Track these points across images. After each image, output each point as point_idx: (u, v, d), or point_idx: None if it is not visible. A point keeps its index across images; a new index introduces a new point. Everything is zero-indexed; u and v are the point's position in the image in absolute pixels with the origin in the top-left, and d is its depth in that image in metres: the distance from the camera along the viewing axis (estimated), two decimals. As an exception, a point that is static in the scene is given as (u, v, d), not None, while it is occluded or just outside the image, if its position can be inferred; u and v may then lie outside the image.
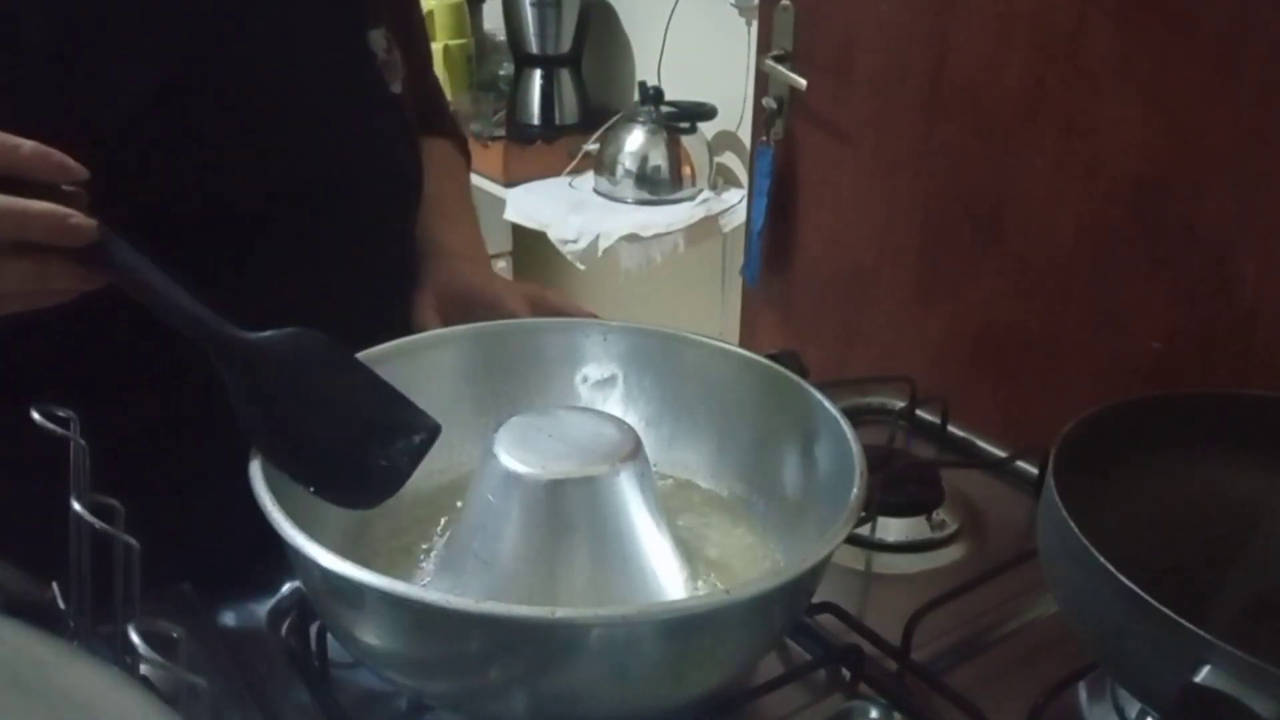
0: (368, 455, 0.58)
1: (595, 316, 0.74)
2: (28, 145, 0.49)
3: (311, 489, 0.55)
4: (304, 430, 0.56)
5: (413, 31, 0.87)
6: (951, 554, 0.75)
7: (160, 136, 0.63)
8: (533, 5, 2.10)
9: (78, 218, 0.50)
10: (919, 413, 0.90)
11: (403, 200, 0.81)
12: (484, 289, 0.82)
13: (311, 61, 0.71)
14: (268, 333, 0.55)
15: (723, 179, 2.06)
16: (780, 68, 1.53)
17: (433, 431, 0.59)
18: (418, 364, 0.67)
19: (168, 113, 0.63)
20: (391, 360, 0.66)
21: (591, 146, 2.04)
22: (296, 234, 0.70)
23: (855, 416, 0.68)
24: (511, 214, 2.03)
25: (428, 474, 0.67)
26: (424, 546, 0.63)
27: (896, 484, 0.75)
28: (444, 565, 0.59)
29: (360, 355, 0.64)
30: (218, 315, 0.53)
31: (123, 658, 0.41)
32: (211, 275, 0.66)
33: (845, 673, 0.61)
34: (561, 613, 0.45)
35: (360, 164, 0.74)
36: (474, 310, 0.81)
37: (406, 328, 0.74)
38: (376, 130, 0.76)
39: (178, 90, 0.63)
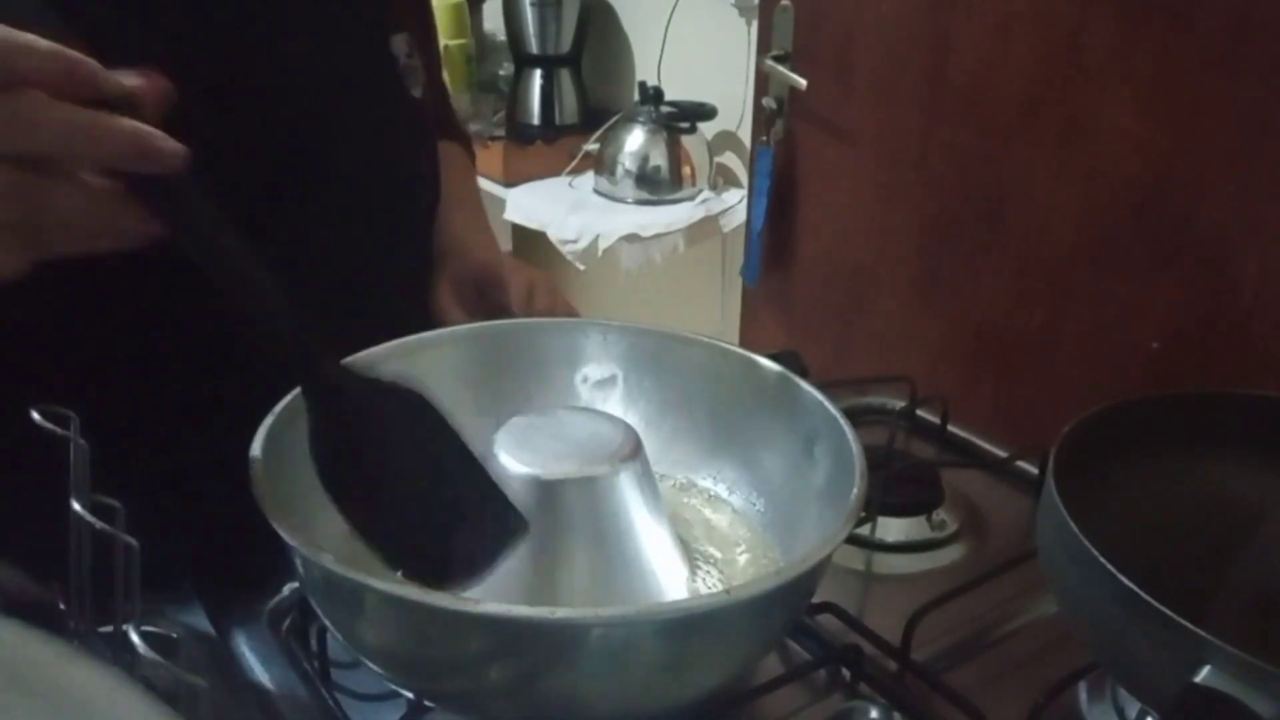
0: (450, 537, 0.51)
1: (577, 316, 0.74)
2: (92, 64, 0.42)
3: (397, 571, 0.48)
4: (389, 494, 0.50)
5: (429, 36, 0.87)
6: (951, 554, 0.75)
7: (185, 141, 0.63)
8: (533, 5, 2.10)
9: (166, 139, 0.42)
10: (919, 413, 0.90)
11: (423, 204, 0.82)
12: (491, 266, 0.85)
13: (336, 67, 0.71)
14: (367, 375, 0.49)
15: (723, 179, 2.06)
16: (780, 68, 1.53)
17: (521, 530, 0.51)
18: (418, 364, 0.67)
19: (193, 117, 0.63)
20: (391, 360, 0.66)
21: (591, 146, 2.04)
22: (318, 237, 0.70)
23: (855, 416, 0.68)
24: (511, 214, 2.03)
25: (428, 474, 0.67)
26: (424, 546, 0.63)
27: (896, 484, 0.75)
28: (444, 565, 0.59)
29: (360, 355, 0.64)
30: (308, 327, 0.47)
31: (123, 658, 0.41)
32: None
33: (845, 673, 0.61)
34: (561, 613, 0.45)
35: (382, 168, 0.74)
36: (488, 290, 0.83)
37: (423, 326, 0.74)
38: (399, 135, 0.76)
39: (202, 94, 0.63)
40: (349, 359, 0.63)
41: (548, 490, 0.54)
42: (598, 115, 2.12)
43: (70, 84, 0.41)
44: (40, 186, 0.42)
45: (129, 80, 0.43)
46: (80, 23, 0.56)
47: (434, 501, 0.51)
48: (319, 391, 0.48)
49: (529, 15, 2.12)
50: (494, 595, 0.52)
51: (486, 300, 0.86)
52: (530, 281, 0.84)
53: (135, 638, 0.35)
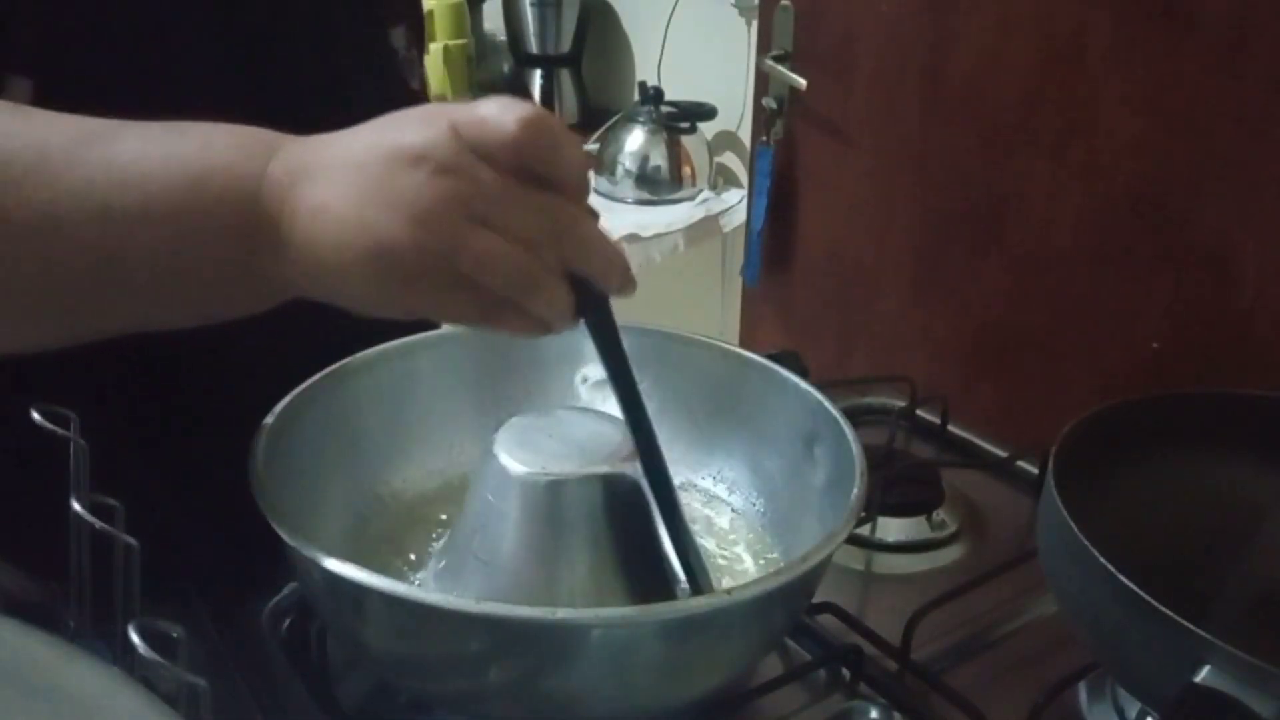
0: None
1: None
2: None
3: None
4: None
5: (422, 30, 0.87)
6: (951, 554, 0.75)
7: None
8: (533, 5, 2.10)
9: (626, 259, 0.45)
10: (919, 413, 0.90)
11: None
12: None
13: (338, 59, 0.71)
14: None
15: (723, 179, 2.06)
16: (780, 68, 1.53)
17: None
18: (418, 364, 0.67)
19: (198, 109, 0.63)
20: (391, 360, 0.66)
21: (591, 146, 2.04)
22: None
23: (855, 416, 0.68)
24: (511, 214, 2.03)
25: (427, 474, 0.67)
26: (424, 546, 0.63)
27: (896, 484, 0.75)
28: (444, 565, 0.59)
29: (360, 355, 0.64)
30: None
31: (123, 658, 0.41)
32: None
33: (845, 673, 0.61)
34: (562, 613, 0.45)
35: None
36: None
37: (423, 326, 0.74)
38: None
39: (204, 88, 0.63)
40: (352, 358, 0.64)
41: (548, 490, 0.54)
42: (598, 115, 2.11)
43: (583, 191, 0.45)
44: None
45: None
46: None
47: None
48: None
49: (529, 15, 2.12)
50: (494, 595, 0.52)
51: None
52: None
53: (135, 638, 0.35)
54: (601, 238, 0.45)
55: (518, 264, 0.42)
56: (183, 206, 0.45)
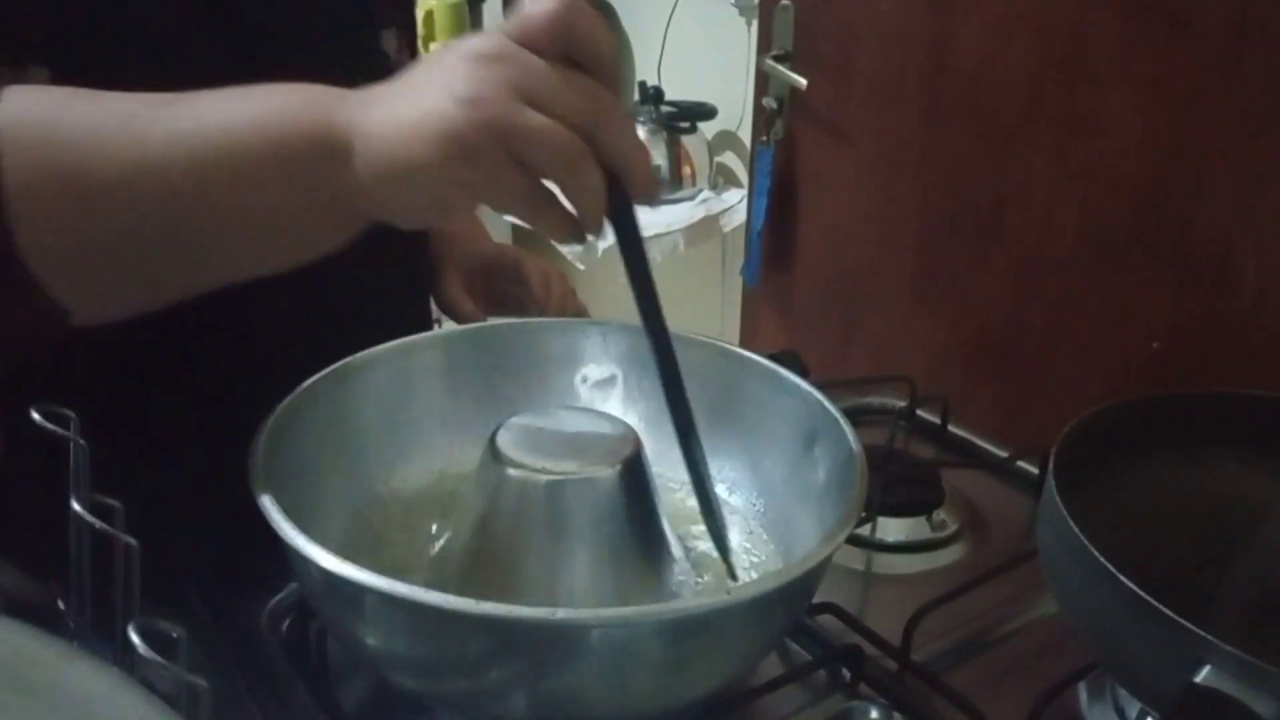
0: None
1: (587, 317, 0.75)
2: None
3: None
4: None
5: (414, 33, 0.87)
6: (951, 554, 0.75)
7: None
8: (533, 5, 2.10)
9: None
10: (919, 413, 0.90)
11: None
12: (501, 255, 0.86)
13: (328, 61, 0.71)
14: None
15: (723, 179, 2.06)
16: (780, 68, 1.53)
17: None
18: (418, 364, 0.67)
19: None
20: (391, 360, 0.66)
21: (591, 147, 2.04)
22: None
23: (855, 416, 0.68)
24: (511, 214, 2.03)
25: (427, 474, 0.67)
26: (424, 547, 0.63)
27: (896, 484, 0.75)
28: (444, 565, 0.59)
29: (360, 355, 0.64)
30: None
31: (123, 658, 0.41)
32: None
33: (845, 673, 0.61)
34: (562, 613, 0.45)
35: None
36: (495, 279, 0.83)
37: (422, 327, 0.74)
38: None
39: (192, 88, 0.63)
40: (352, 357, 0.64)
41: (548, 490, 0.54)
42: (598, 115, 2.11)
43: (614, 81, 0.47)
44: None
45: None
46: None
47: None
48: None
49: (529, 15, 2.12)
50: (494, 595, 0.52)
51: (493, 289, 0.86)
52: (545, 272, 0.85)
53: (135, 638, 0.35)
54: (635, 132, 0.48)
55: (564, 142, 0.45)
56: (265, 140, 0.49)
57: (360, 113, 0.48)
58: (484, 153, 0.45)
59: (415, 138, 0.46)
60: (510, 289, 0.87)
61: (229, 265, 0.54)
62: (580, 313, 0.91)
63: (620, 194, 0.48)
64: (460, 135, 0.45)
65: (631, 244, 0.51)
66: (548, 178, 0.46)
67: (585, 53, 0.46)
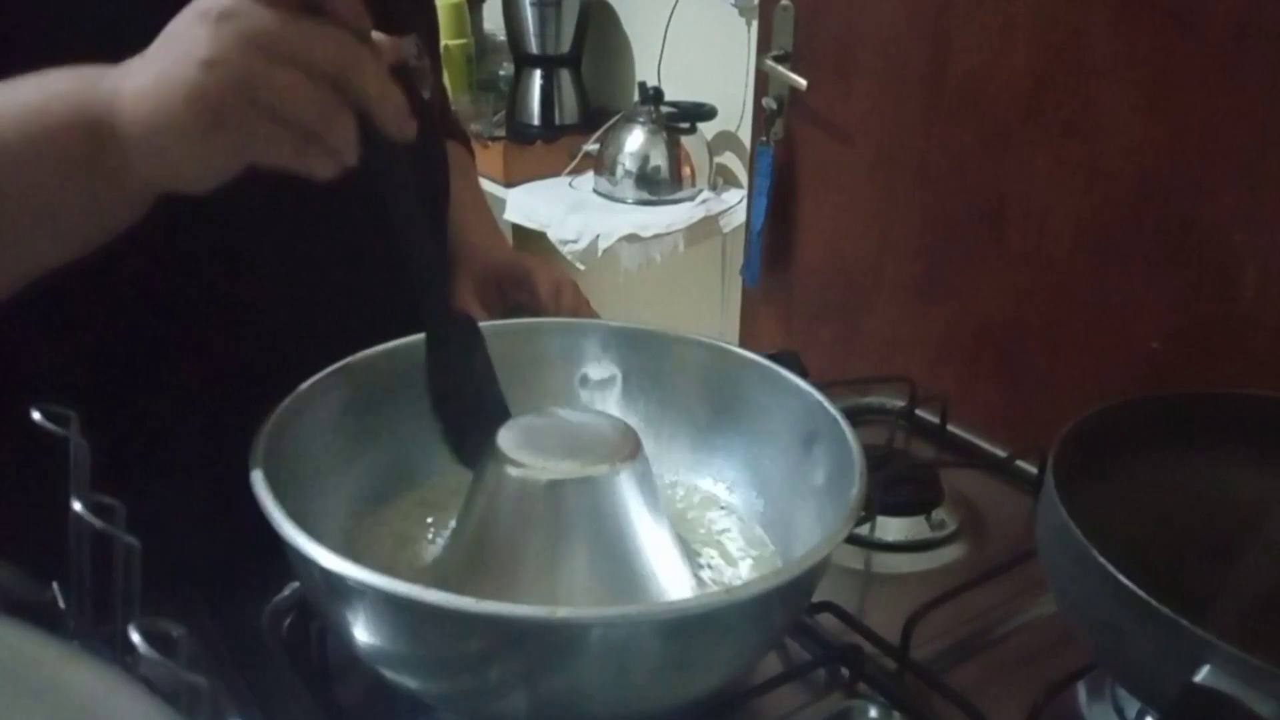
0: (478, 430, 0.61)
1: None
2: None
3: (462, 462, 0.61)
4: (474, 404, 0.62)
5: (435, 38, 0.87)
6: (951, 554, 0.75)
7: None
8: (533, 5, 2.10)
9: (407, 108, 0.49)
10: (919, 413, 0.90)
11: (433, 205, 0.82)
12: (515, 264, 0.86)
13: None
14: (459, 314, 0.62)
15: (723, 179, 2.06)
16: (780, 68, 1.53)
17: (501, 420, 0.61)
18: (418, 363, 0.67)
19: None
20: (392, 360, 0.66)
21: (591, 147, 2.04)
22: (329, 238, 0.70)
23: (855, 416, 0.68)
24: (511, 214, 2.03)
25: (428, 473, 0.67)
26: (424, 546, 0.63)
27: (896, 484, 0.75)
28: (444, 565, 0.59)
29: (360, 355, 0.64)
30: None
31: (123, 658, 0.41)
32: (246, 274, 0.66)
33: (845, 672, 0.61)
34: (562, 613, 0.45)
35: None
36: (508, 288, 0.83)
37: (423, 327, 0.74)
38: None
39: None
40: (352, 357, 0.64)
41: (548, 490, 0.54)
42: (598, 115, 2.11)
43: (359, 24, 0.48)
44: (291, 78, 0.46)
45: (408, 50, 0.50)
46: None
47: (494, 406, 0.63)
48: (433, 320, 0.60)
49: (529, 15, 2.12)
50: (494, 595, 0.52)
51: (507, 298, 0.86)
52: (557, 279, 0.85)
53: (135, 638, 0.35)
54: (382, 73, 0.49)
55: (308, 92, 0.46)
56: (38, 129, 0.49)
57: (119, 89, 0.48)
58: (233, 112, 0.46)
59: (166, 108, 0.46)
60: (524, 299, 0.87)
61: (26, 257, 0.53)
62: None
63: (375, 134, 0.49)
64: (207, 98, 0.45)
65: (388, 178, 0.53)
66: (299, 127, 0.47)
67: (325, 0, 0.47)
